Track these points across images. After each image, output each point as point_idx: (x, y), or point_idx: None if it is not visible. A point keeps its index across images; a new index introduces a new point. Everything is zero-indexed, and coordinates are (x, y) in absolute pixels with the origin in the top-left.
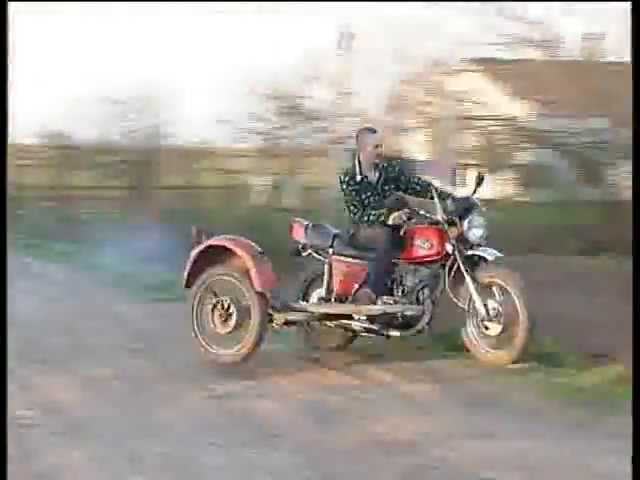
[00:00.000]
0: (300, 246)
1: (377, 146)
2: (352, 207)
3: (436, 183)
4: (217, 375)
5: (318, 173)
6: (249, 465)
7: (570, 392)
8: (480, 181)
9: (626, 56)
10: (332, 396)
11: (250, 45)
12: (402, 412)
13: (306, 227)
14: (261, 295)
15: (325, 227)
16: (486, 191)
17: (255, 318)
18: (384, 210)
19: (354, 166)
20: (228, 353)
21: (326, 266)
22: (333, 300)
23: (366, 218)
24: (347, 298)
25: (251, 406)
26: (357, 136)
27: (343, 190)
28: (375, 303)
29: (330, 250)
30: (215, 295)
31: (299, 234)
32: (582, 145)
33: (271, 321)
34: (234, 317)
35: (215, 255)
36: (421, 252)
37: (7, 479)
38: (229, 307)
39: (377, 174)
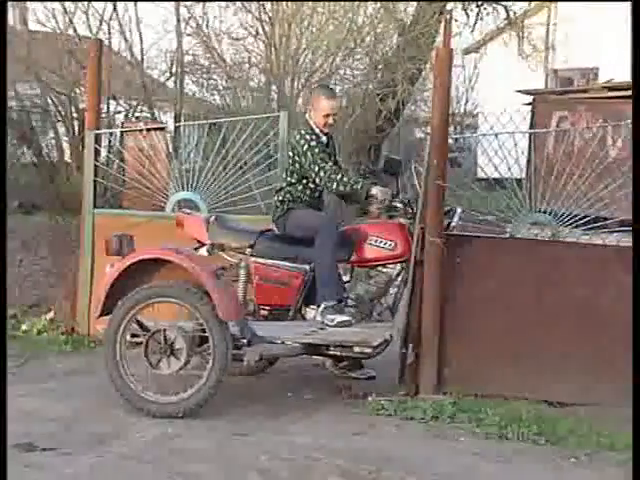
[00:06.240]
0: (206, 248)
1: (329, 115)
2: (320, 163)
3: None
4: None
5: None
6: None
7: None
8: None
9: None
10: None
11: None
12: None
13: (207, 222)
14: (224, 324)
15: (233, 220)
16: None
17: (217, 354)
18: (362, 180)
19: (310, 126)
20: (173, 400)
21: (242, 271)
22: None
23: (339, 178)
24: (275, 312)
25: None
26: (311, 95)
27: (309, 145)
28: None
29: (249, 251)
30: (140, 325)
31: (199, 232)
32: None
33: (239, 358)
34: (184, 353)
35: (141, 269)
36: (380, 253)
37: (7, 478)
38: (173, 340)
39: (327, 140)
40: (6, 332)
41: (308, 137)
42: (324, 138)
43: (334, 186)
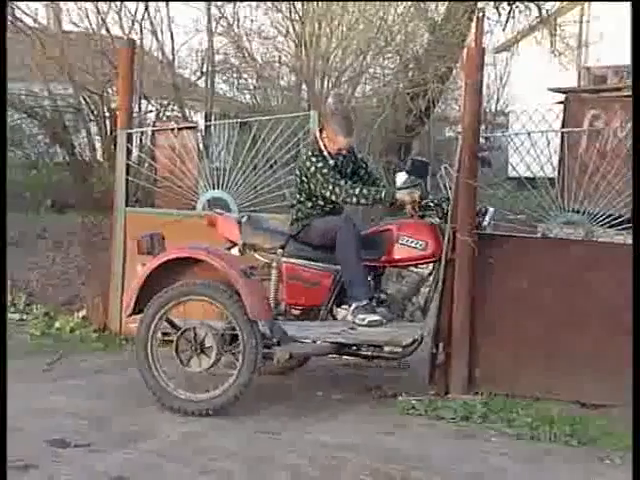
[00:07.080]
0: (238, 248)
1: (342, 149)
2: (333, 181)
3: None
4: None
5: None
6: None
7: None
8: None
9: None
10: None
11: None
12: None
13: (239, 222)
14: (253, 323)
15: (264, 220)
16: None
17: (247, 352)
18: (386, 187)
19: (319, 147)
20: (204, 398)
21: (273, 271)
22: (284, 315)
23: (357, 192)
24: (306, 312)
25: None
26: (327, 120)
27: (316, 167)
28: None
29: (280, 251)
30: (171, 324)
31: (232, 232)
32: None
33: (269, 357)
34: (214, 351)
35: (171, 268)
36: (411, 253)
37: (6, 477)
38: (204, 339)
39: (339, 159)
40: (6, 331)
41: (314, 159)
42: (332, 161)
43: (354, 200)
